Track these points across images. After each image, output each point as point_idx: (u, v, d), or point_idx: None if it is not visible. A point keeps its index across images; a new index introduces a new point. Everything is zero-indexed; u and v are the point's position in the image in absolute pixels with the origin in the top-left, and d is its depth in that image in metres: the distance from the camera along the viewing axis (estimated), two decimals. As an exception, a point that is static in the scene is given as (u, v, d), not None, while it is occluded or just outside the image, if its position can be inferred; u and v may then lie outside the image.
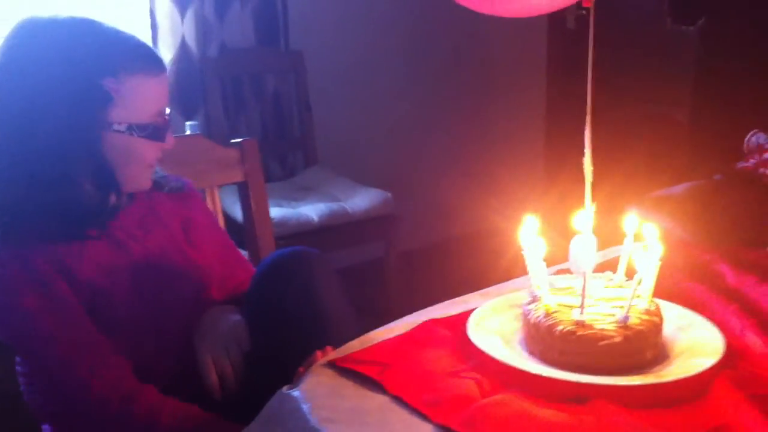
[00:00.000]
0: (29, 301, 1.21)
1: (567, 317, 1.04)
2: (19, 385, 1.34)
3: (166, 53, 2.69)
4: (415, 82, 3.45)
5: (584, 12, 1.16)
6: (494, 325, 1.13)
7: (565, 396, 0.96)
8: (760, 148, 1.91)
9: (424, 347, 1.10)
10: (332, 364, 1.06)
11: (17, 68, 1.22)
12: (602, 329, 1.02)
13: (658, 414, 0.93)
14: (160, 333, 1.33)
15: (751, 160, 1.91)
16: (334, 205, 2.66)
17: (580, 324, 1.03)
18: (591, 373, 0.98)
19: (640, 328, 1.03)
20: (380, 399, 0.99)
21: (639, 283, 1.06)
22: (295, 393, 1.00)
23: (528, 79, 3.62)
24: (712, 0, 2.98)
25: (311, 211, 2.61)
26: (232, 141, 1.77)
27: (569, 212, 1.17)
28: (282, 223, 2.47)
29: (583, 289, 1.04)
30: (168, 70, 1.63)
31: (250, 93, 2.90)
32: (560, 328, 1.03)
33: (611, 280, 1.17)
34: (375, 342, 1.12)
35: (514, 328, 1.13)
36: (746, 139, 1.97)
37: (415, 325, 1.16)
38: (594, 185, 1.16)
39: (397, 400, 0.98)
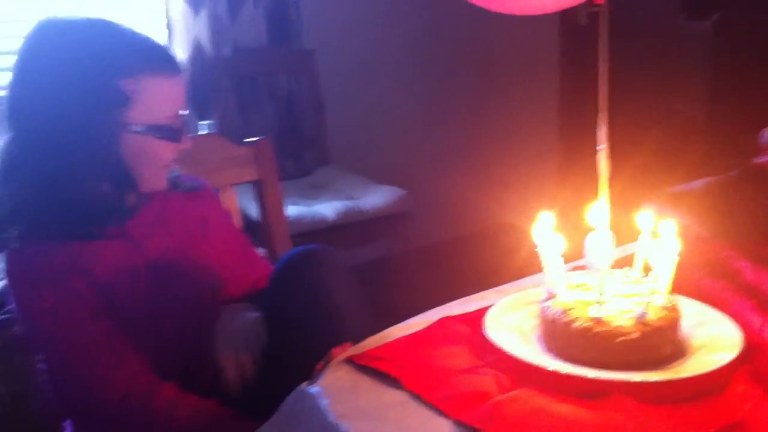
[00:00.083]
0: (49, 298, 1.23)
1: (584, 313, 1.04)
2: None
3: (181, 54, 2.71)
4: (427, 79, 3.45)
5: (596, 9, 1.15)
6: (511, 321, 1.13)
7: (583, 392, 0.96)
8: (775, 144, 1.89)
9: (441, 344, 1.11)
10: (350, 361, 1.07)
11: (35, 69, 1.23)
12: (620, 325, 1.02)
13: (676, 410, 0.92)
14: (177, 331, 1.34)
15: (767, 156, 1.89)
16: (348, 203, 2.67)
17: (597, 320, 1.03)
18: (609, 369, 0.98)
19: (658, 324, 1.02)
20: (398, 395, 0.99)
21: (656, 279, 1.06)
22: (314, 389, 1.01)
23: (541, 75, 3.60)
24: (726, -5, 2.98)
25: (326, 209, 2.61)
26: (246, 140, 1.78)
27: (583, 208, 1.17)
28: (297, 221, 2.48)
29: (601, 285, 1.04)
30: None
31: (264, 92, 2.91)
32: (577, 324, 1.03)
33: (628, 276, 1.16)
34: (392, 339, 1.12)
35: (532, 325, 1.13)
36: (761, 134, 1.95)
37: (431, 321, 1.17)
38: (608, 181, 1.16)
39: (415, 396, 0.98)
